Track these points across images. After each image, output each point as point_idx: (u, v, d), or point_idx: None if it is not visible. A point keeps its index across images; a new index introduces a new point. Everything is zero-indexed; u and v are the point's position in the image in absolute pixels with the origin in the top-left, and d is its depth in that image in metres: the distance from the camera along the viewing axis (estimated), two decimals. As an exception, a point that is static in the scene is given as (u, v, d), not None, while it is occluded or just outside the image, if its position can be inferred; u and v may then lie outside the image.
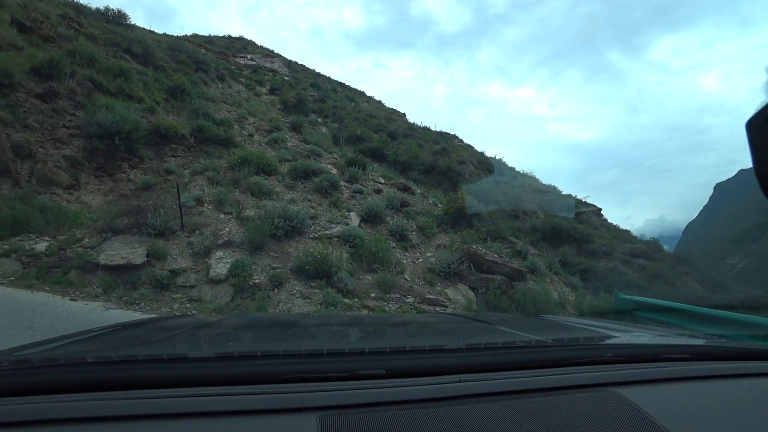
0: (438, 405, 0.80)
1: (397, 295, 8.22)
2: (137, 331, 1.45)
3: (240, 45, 40.20)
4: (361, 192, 12.42)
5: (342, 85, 38.85)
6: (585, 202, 23.43)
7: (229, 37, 42.87)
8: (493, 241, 12.40)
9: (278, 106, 23.92)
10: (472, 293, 9.71)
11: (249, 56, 36.59)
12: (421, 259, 10.32)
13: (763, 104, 0.74)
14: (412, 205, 12.94)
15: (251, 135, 16.84)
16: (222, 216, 10.06)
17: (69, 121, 12.06)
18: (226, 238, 8.89)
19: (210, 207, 10.50)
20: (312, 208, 10.99)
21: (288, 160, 13.84)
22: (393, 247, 10.10)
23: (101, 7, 21.74)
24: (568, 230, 15.42)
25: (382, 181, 14.72)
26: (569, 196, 23.20)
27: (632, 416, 0.82)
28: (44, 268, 7.83)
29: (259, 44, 42.53)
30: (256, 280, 7.57)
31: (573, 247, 14.23)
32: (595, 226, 21.23)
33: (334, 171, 13.61)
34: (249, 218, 9.53)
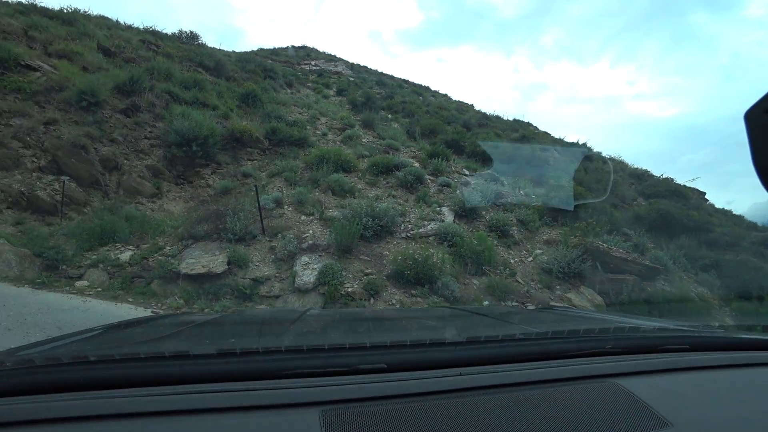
0: (439, 398, 0.80)
1: (514, 302, 6.73)
2: (138, 329, 1.40)
3: (303, 53, 40.93)
4: (448, 185, 11.05)
5: (406, 81, 37.86)
6: (687, 186, 19.94)
7: (293, 47, 43.87)
8: (609, 234, 10.43)
9: (347, 105, 23.39)
10: (599, 298, 7.93)
11: (313, 62, 37.01)
12: (530, 258, 8.71)
13: (763, 95, 0.73)
14: (505, 196, 11.33)
15: (324, 134, 16.23)
16: (303, 217, 9.22)
17: (150, 132, 12.10)
18: (310, 242, 7.97)
19: (290, 209, 9.74)
20: (399, 204, 9.83)
21: (365, 156, 12.85)
22: (495, 245, 8.61)
23: (175, 31, 22.92)
24: (680, 218, 12.91)
25: (467, 172, 13.23)
26: (668, 179, 20.15)
27: (632, 407, 0.82)
28: (128, 278, 7.41)
29: (321, 50, 43.01)
30: (349, 289, 6.50)
31: (690, 237, 11.80)
32: (709, 212, 18.06)
33: (416, 164, 12.37)
34: (333, 219, 8.56)
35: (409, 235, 8.38)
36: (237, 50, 34.84)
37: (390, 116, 22.25)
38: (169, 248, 8.27)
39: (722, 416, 0.84)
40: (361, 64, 41.64)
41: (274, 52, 38.16)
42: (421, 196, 10.32)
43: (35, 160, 9.76)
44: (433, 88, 38.71)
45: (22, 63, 11.75)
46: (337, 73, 34.17)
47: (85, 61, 13.67)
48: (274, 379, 0.82)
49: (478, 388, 0.84)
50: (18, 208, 9.05)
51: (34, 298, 6.26)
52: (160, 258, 7.98)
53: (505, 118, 27.21)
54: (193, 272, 7.07)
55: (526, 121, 27.28)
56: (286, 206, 9.73)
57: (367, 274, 6.87)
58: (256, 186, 8.47)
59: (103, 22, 20.15)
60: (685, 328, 1.39)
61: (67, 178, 9.89)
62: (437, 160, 12.64)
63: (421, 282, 6.60)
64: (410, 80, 39.00)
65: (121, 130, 11.66)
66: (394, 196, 10.35)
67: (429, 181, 11.42)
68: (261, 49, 40.11)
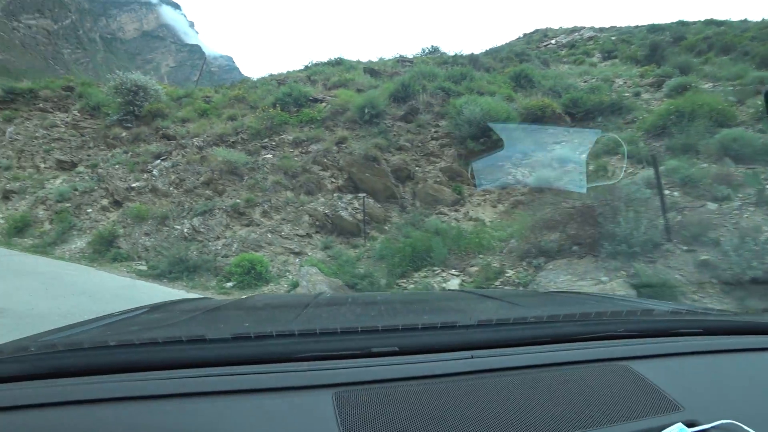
0: (450, 380, 0.80)
1: None
2: (155, 315, 1.42)
3: (538, 36, 36.73)
4: None
5: (683, 23, 28.37)
6: None
7: (524, 35, 40.06)
8: None
9: (630, 63, 18.11)
10: None
11: (553, 41, 32.59)
12: None
13: None
14: None
15: (637, 94, 11.68)
16: (714, 205, 5.06)
17: (435, 132, 10.41)
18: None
19: (677, 192, 5.74)
20: None
21: (737, 102, 7.60)
22: None
23: (424, 48, 23.41)
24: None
25: None
26: None
27: (645, 391, 0.82)
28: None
29: (555, 28, 37.63)
30: None
31: None
32: None
33: None
34: None
35: None
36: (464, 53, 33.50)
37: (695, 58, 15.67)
38: (511, 272, 5.56)
39: (735, 401, 0.83)
40: (609, 26, 34.37)
41: (508, 46, 35.25)
42: None
43: (333, 180, 9.02)
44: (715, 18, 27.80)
45: (310, 98, 12.34)
46: (591, 37, 29.26)
47: (357, 84, 13.89)
48: (288, 362, 0.82)
49: (489, 370, 0.84)
50: (324, 232, 8.27)
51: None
52: (503, 287, 5.32)
53: None
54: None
55: None
56: (676, 190, 5.77)
57: None
58: (653, 157, 4.85)
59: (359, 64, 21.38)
60: (699, 311, 1.36)
61: (365, 194, 8.78)
62: None
63: None
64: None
65: (406, 135, 10.35)
66: None
67: None
68: (491, 49, 37.76)
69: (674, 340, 1.02)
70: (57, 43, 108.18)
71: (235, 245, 7.36)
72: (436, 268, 6.47)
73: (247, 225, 7.89)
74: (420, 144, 10.14)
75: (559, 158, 8.81)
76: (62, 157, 12.75)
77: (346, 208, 8.22)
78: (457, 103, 10.25)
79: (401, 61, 19.14)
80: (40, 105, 16.14)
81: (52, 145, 13.52)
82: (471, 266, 6.21)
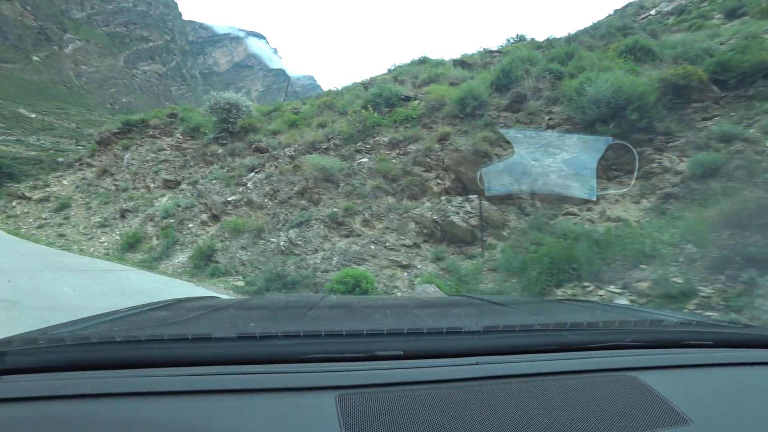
0: (454, 386, 0.79)
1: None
2: (162, 312, 1.42)
3: (631, 10, 32.81)
4: None
5: None
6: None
7: (615, 11, 36.06)
8: None
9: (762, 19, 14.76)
10: None
11: (653, 11, 28.72)
12: None
13: None
14: None
15: None
16: None
17: (549, 119, 8.94)
18: None
19: None
20: None
21: None
22: None
23: (508, 38, 22.00)
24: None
25: None
26: None
27: (651, 402, 0.80)
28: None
29: None
30: None
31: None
32: None
33: None
34: None
35: None
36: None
37: None
38: (708, 289, 4.02)
39: (745, 415, 0.82)
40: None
41: (594, 28, 31.84)
42: None
43: (440, 182, 7.95)
44: None
45: (401, 97, 11.57)
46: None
47: (449, 78, 12.84)
48: (292, 363, 0.82)
49: (494, 377, 0.83)
50: (433, 240, 7.21)
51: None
52: (700, 312, 3.81)
53: None
54: None
55: None
56: None
57: None
58: None
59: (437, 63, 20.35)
60: (709, 323, 1.32)
61: (476, 195, 7.60)
62: None
63: None
64: None
65: (514, 125, 8.99)
66: None
67: None
68: (584, 29, 34.63)
69: (683, 352, 1.00)
70: (166, 83, 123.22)
71: (335, 258, 6.60)
72: (586, 284, 5.07)
73: (347, 236, 7.14)
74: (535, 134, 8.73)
75: (722, 136, 6.85)
76: (168, 176, 13.40)
77: (458, 213, 7.10)
78: (574, 84, 8.67)
79: (489, 52, 17.86)
80: (150, 132, 17.59)
81: (160, 166, 14.36)
82: (637, 281, 4.71)
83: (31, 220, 14.39)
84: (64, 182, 16.88)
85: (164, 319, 1.32)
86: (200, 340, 0.85)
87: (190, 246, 9.31)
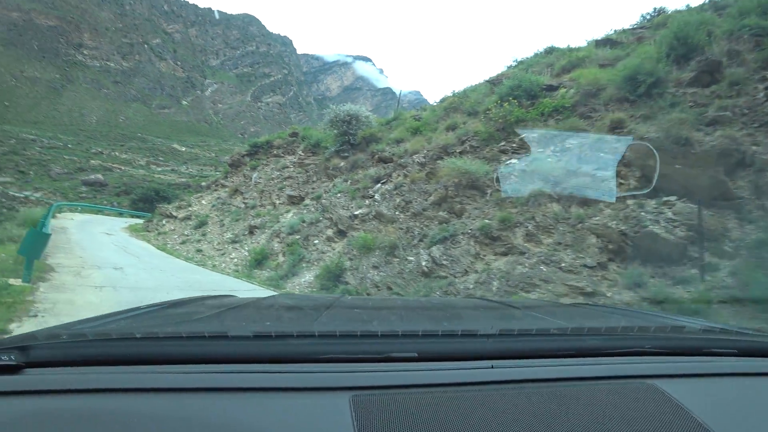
0: (469, 389, 0.78)
1: None
2: (180, 310, 1.44)
3: None
4: None
5: None
6: None
7: None
8: None
9: None
10: None
11: None
12: None
13: None
14: None
15: None
16: None
17: (766, 88, 6.46)
18: None
19: None
20: None
21: None
22: None
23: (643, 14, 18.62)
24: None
25: None
26: None
27: (670, 410, 0.77)
28: None
29: None
30: None
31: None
32: None
33: None
34: None
35: None
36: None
37: None
38: None
39: None
40: None
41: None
42: None
43: (622, 181, 6.08)
44: None
45: (543, 87, 9.80)
46: None
47: (597, 59, 10.67)
48: (307, 363, 0.82)
49: (509, 381, 0.81)
50: (622, 259, 5.38)
51: None
52: None
53: None
54: None
55: None
56: None
57: None
58: None
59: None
60: (733, 331, 1.27)
61: (674, 197, 5.60)
62: None
63: None
64: None
65: (712, 102, 6.73)
66: None
67: None
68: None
69: (705, 360, 0.96)
70: (285, 111, 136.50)
71: (494, 283, 5.22)
72: None
73: (505, 254, 5.70)
74: (747, 110, 6.38)
75: None
76: (292, 192, 13.45)
77: (657, 221, 5.20)
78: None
79: (638, 27, 15.02)
80: (274, 152, 18.38)
81: (284, 183, 14.59)
82: None
83: (176, 236, 15.69)
84: (203, 201, 18.35)
85: (183, 317, 1.31)
86: (217, 338, 0.85)
87: (316, 263, 8.74)
